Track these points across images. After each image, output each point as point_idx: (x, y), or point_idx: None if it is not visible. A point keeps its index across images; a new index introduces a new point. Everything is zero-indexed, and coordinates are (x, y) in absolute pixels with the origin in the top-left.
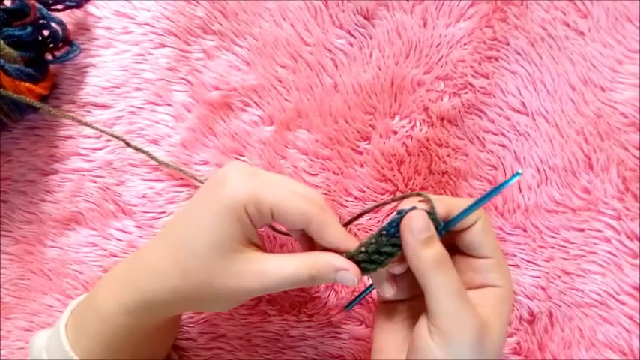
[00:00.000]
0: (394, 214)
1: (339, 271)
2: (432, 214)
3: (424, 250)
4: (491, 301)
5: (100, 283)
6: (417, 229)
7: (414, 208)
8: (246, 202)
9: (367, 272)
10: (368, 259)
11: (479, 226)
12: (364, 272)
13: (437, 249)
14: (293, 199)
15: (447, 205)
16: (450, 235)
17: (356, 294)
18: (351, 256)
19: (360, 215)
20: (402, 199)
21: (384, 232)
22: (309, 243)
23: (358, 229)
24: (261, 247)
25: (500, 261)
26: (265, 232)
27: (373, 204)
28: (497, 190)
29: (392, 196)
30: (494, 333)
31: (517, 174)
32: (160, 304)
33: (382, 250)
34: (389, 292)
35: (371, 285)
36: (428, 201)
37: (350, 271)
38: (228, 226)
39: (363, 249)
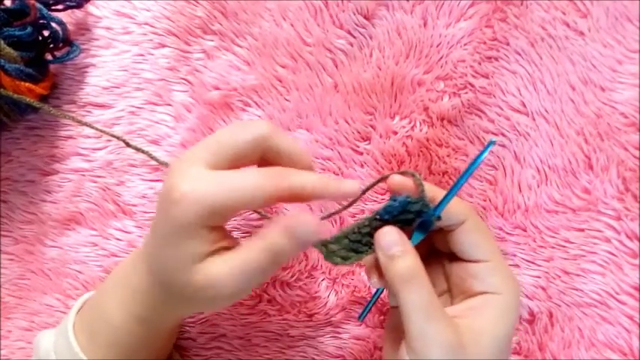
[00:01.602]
0: (389, 199)
1: (290, 227)
2: (421, 198)
3: (393, 266)
4: (489, 311)
5: (105, 289)
6: (386, 245)
7: (407, 201)
8: (201, 222)
9: (359, 256)
10: (360, 240)
11: (468, 225)
12: (356, 256)
13: (406, 263)
14: (243, 186)
15: (429, 191)
16: (444, 240)
17: (357, 294)
18: (345, 235)
19: (362, 193)
20: (400, 173)
21: (378, 217)
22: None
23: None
24: (230, 245)
25: (499, 265)
26: None
27: (372, 181)
28: (476, 162)
29: (384, 174)
30: (478, 347)
31: (491, 142)
32: (165, 315)
33: (374, 235)
34: (374, 280)
35: (377, 290)
36: (419, 184)
37: (306, 223)
38: (186, 245)
39: (356, 229)
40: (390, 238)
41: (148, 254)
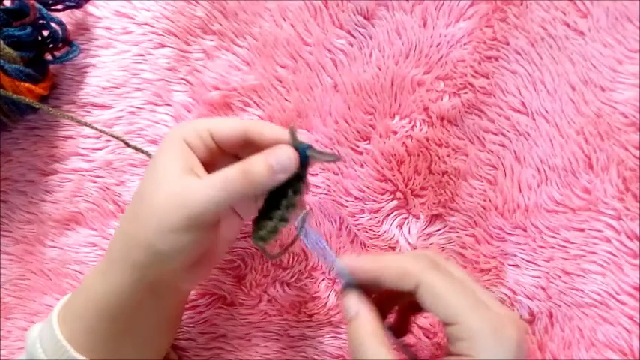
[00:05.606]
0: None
1: (268, 156)
2: (299, 145)
3: (350, 325)
4: None
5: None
6: (344, 309)
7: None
8: (183, 134)
9: (274, 224)
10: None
11: (422, 289)
12: (272, 224)
13: (356, 324)
14: (228, 119)
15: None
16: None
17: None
18: (261, 216)
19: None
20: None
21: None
22: None
23: (358, 230)
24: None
25: (467, 326)
26: None
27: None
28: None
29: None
30: None
31: (305, 213)
32: (127, 265)
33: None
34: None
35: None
36: (294, 136)
37: (283, 148)
38: (168, 158)
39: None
40: (347, 302)
41: (132, 199)
